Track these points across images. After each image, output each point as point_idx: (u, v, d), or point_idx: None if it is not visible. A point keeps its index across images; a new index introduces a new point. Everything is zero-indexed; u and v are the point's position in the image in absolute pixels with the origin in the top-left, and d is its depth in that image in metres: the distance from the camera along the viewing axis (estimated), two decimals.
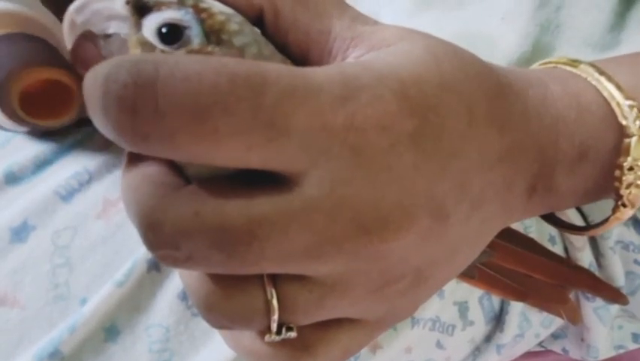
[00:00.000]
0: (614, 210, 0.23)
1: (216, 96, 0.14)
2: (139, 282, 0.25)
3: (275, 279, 0.17)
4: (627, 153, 0.21)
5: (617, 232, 0.34)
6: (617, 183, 0.22)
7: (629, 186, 0.21)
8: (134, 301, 0.26)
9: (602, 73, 0.22)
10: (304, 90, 0.14)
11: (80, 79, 0.25)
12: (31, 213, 0.27)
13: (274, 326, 0.17)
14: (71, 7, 0.17)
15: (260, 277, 0.17)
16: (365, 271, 0.17)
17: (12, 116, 0.25)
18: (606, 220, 0.23)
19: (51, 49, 0.26)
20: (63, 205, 0.27)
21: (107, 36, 0.17)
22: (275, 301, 0.17)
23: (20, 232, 0.26)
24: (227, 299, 0.17)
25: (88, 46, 0.19)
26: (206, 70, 0.14)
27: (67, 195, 0.27)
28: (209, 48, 0.16)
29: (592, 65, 0.23)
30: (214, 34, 0.16)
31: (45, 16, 0.27)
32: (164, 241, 0.15)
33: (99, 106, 0.14)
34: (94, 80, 0.14)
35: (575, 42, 0.33)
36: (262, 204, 0.15)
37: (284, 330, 0.18)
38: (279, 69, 0.15)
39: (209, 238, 0.15)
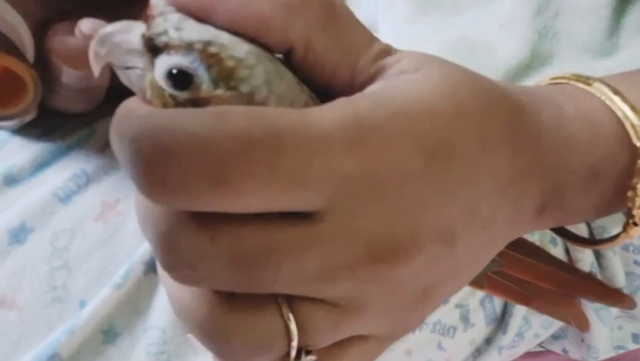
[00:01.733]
0: (625, 227, 0.23)
1: (234, 162, 0.14)
2: (137, 284, 0.25)
3: (290, 303, 0.17)
4: None
5: None
6: (629, 204, 0.22)
7: None
8: (132, 304, 0.25)
9: (616, 92, 0.22)
10: (318, 140, 0.15)
11: (34, 71, 0.26)
12: (29, 215, 0.26)
13: (294, 353, 0.17)
14: (95, 39, 0.17)
15: (275, 303, 0.17)
16: (376, 293, 0.18)
17: None
18: (616, 237, 0.24)
19: (6, 40, 0.26)
20: (61, 207, 0.27)
21: (127, 68, 0.17)
22: (293, 326, 0.17)
23: (18, 234, 0.26)
24: (244, 328, 0.17)
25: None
26: (222, 137, 0.14)
27: (65, 197, 0.27)
28: (217, 92, 0.16)
29: (605, 83, 0.23)
30: (222, 80, 0.16)
31: (7, 12, 0.27)
32: (181, 263, 0.16)
33: (130, 172, 0.15)
34: (119, 144, 0.15)
35: (575, 49, 0.33)
36: (279, 231, 0.16)
37: (303, 355, 0.18)
38: (291, 123, 0.15)
39: (226, 260, 0.15)
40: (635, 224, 0.22)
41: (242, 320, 0.17)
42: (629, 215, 0.22)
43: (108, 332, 0.25)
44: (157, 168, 0.14)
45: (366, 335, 0.20)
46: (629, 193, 0.22)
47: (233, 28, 0.17)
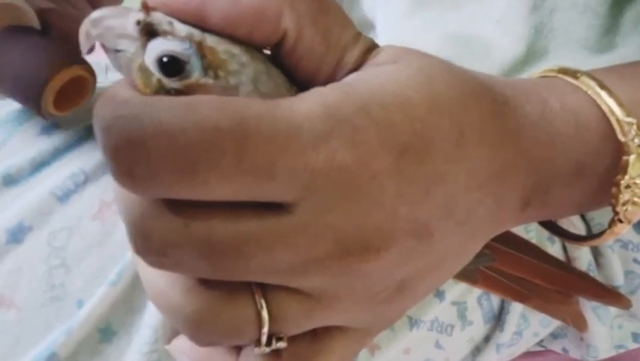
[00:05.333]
0: (611, 224, 0.23)
1: (201, 152, 0.14)
2: (132, 282, 0.25)
3: (264, 290, 0.17)
4: (625, 171, 0.21)
5: None
6: (613, 200, 0.22)
7: (625, 203, 0.22)
8: (127, 302, 0.25)
9: (603, 87, 0.22)
10: (285, 133, 0.15)
11: (92, 70, 0.26)
12: (27, 215, 0.27)
13: (264, 338, 0.18)
14: (88, 19, 0.17)
15: (249, 289, 0.17)
16: (349, 285, 0.18)
17: (39, 111, 0.26)
18: (603, 233, 0.23)
19: (69, 45, 0.27)
20: (59, 206, 0.27)
21: (117, 51, 0.18)
22: (265, 313, 0.17)
23: (16, 233, 0.26)
24: (216, 314, 0.17)
25: None
26: (189, 126, 0.14)
27: (63, 196, 0.27)
28: (204, 80, 0.17)
29: (593, 77, 0.22)
30: (212, 70, 0.17)
31: (22, 3, 0.27)
32: (153, 248, 0.16)
33: (104, 159, 0.15)
34: (96, 131, 0.15)
35: (571, 45, 0.33)
36: (250, 223, 0.16)
37: (274, 341, 0.18)
38: (260, 115, 0.15)
39: (197, 249, 0.16)
40: (620, 221, 0.22)
41: (214, 304, 0.17)
42: (614, 212, 0.22)
43: (105, 330, 0.25)
44: (125, 158, 0.15)
45: (344, 326, 0.20)
46: (613, 190, 0.22)
47: (227, 27, 0.17)
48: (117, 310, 0.25)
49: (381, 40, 0.38)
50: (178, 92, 0.17)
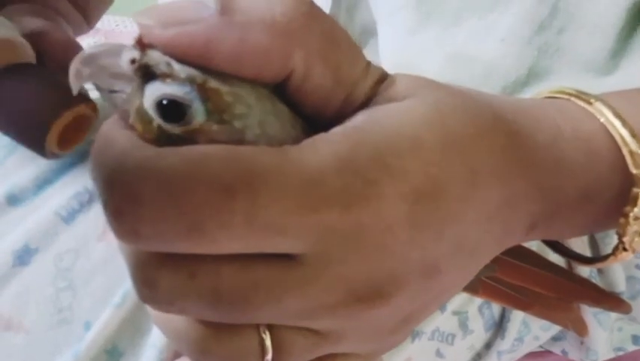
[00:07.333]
0: (615, 250, 0.23)
1: (209, 212, 0.14)
2: (138, 303, 0.26)
3: (270, 324, 0.17)
4: (634, 203, 0.21)
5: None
6: (620, 230, 0.22)
7: (632, 234, 0.21)
8: (134, 322, 0.26)
9: (617, 115, 0.22)
10: (297, 190, 0.15)
11: (95, 106, 0.26)
12: (32, 236, 0.27)
13: None
14: (79, 57, 0.17)
15: None
16: (357, 326, 0.18)
17: (42, 151, 0.26)
18: (606, 258, 0.24)
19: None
20: (65, 227, 0.27)
21: (112, 91, 0.17)
22: (269, 342, 0.17)
23: (22, 256, 0.27)
24: (220, 341, 0.17)
25: None
26: (197, 185, 0.14)
27: (68, 216, 0.27)
28: (208, 126, 0.16)
29: (607, 104, 0.22)
30: (217, 113, 0.16)
31: (20, 39, 0.27)
32: (159, 299, 0.16)
33: (104, 214, 0.15)
34: (95, 184, 0.15)
35: (575, 67, 0.32)
36: (258, 272, 0.15)
37: None
38: (269, 170, 0.15)
39: (204, 299, 0.15)
40: (625, 249, 0.22)
41: (219, 331, 0.17)
42: (620, 240, 0.22)
43: (112, 351, 0.26)
44: (129, 218, 0.14)
45: (347, 352, 0.20)
46: (621, 220, 0.22)
47: (233, 67, 0.16)
48: (123, 331, 0.26)
49: (383, 54, 0.37)
50: (180, 138, 0.16)
